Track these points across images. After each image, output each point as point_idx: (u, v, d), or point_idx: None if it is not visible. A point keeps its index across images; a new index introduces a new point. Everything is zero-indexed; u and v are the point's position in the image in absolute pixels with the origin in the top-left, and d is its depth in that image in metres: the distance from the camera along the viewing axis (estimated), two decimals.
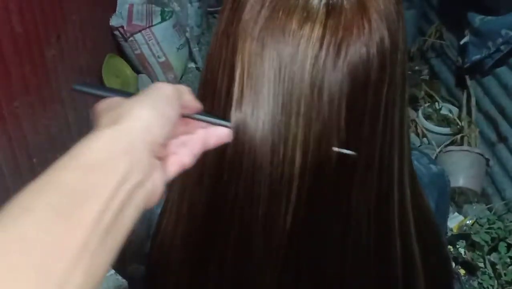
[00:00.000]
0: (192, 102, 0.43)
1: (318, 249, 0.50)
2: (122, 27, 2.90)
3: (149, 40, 2.96)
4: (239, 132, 0.45)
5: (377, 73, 0.45)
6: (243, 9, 0.46)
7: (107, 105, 0.41)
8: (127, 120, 0.37)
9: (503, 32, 2.14)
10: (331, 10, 0.44)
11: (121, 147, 0.35)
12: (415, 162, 0.66)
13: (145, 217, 0.59)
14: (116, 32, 2.95)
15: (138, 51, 2.98)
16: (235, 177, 0.47)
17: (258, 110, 0.44)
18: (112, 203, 0.33)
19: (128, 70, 3.05)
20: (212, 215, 0.51)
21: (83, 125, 2.53)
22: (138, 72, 3.09)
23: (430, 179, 0.67)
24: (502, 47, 2.21)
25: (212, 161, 0.49)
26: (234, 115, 0.45)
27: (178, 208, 0.55)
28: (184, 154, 0.43)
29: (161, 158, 0.39)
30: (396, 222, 0.52)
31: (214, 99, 0.48)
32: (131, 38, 2.94)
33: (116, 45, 3.03)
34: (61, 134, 2.21)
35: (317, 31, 0.43)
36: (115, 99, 0.41)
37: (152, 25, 2.94)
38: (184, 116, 0.43)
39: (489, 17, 2.29)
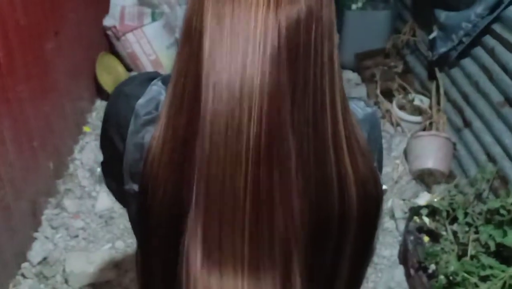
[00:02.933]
0: None
1: (272, 156, 0.66)
2: (115, 27, 3.08)
3: (140, 39, 3.14)
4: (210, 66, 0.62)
5: (305, 16, 0.62)
6: None
7: None
8: None
9: (464, 25, 2.35)
10: None
11: None
12: (352, 105, 0.82)
13: (138, 144, 0.75)
14: (109, 32, 3.13)
15: (130, 50, 3.16)
16: (209, 95, 0.63)
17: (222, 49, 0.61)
18: None
19: (120, 68, 3.23)
20: (190, 135, 0.68)
21: (78, 118, 2.70)
22: (129, 69, 3.27)
23: (364, 116, 0.82)
24: (464, 39, 2.42)
25: (190, 88, 0.65)
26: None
27: (164, 132, 0.71)
28: None
29: None
30: (329, 135, 0.67)
31: (191, 42, 0.65)
32: (123, 37, 3.12)
33: (109, 44, 3.21)
34: (58, 123, 2.39)
35: None
36: None
37: (143, 25, 3.13)
38: None
39: (452, 13, 2.50)
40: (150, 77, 0.80)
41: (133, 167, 0.75)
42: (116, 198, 0.93)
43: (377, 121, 0.86)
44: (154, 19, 3.19)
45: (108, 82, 3.04)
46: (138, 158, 0.74)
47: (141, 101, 0.75)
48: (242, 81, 0.61)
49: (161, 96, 0.75)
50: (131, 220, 0.84)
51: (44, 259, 2.06)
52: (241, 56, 0.60)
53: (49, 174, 2.28)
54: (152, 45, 3.18)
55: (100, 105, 3.03)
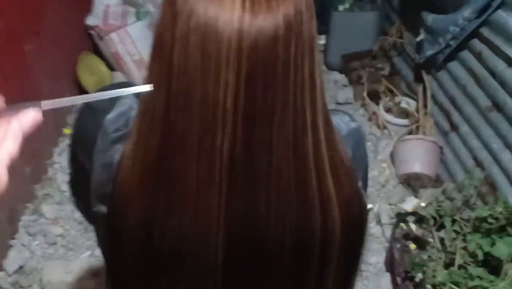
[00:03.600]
0: None
1: (248, 179, 0.62)
2: (98, 26, 3.01)
3: (124, 39, 3.07)
4: (180, 75, 0.58)
5: (284, 31, 0.56)
6: None
7: None
8: None
9: (451, 28, 2.32)
10: None
11: None
12: (337, 119, 0.78)
13: (107, 164, 0.70)
14: (92, 31, 3.06)
15: (113, 50, 3.09)
16: (180, 113, 0.59)
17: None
18: None
19: (103, 68, 3.15)
20: (161, 155, 0.63)
21: (58, 120, 2.63)
22: (113, 69, 3.20)
23: (348, 131, 0.78)
24: (451, 43, 2.39)
25: (161, 107, 0.61)
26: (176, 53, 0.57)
27: (135, 152, 0.66)
28: (8, 146, 0.53)
29: None
30: (311, 156, 0.63)
31: (162, 59, 0.60)
32: (106, 37, 3.04)
33: (92, 43, 3.13)
34: (39, 127, 2.31)
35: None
36: None
37: (127, 25, 3.05)
38: None
39: (440, 16, 2.47)
40: None
41: (101, 188, 0.72)
42: (84, 218, 0.89)
43: (361, 137, 0.83)
44: (138, 18, 3.12)
45: (90, 82, 2.96)
46: (106, 178, 0.70)
47: (110, 116, 0.71)
48: (214, 102, 0.57)
49: (132, 111, 0.71)
50: (99, 239, 0.81)
51: (21, 267, 1.99)
52: (213, 75, 0.56)
53: (26, 178, 2.21)
54: (136, 45, 3.11)
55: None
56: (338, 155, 0.69)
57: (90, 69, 3.01)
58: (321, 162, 0.65)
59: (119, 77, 3.19)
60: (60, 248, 2.10)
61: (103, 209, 0.71)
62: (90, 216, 0.77)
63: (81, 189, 0.77)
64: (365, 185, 0.83)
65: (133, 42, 3.09)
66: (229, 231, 0.63)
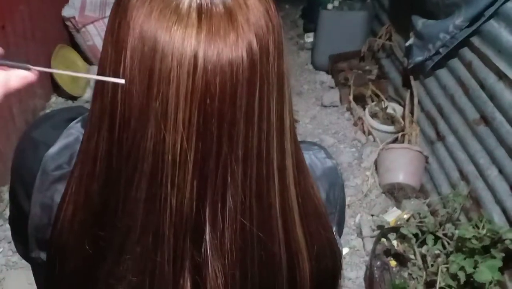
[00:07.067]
0: None
1: (199, 235, 0.53)
2: (74, 17, 2.87)
3: (102, 32, 2.94)
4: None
5: (247, 73, 0.48)
6: (127, 7, 0.49)
7: None
8: None
9: (441, 35, 2.24)
10: (201, 16, 0.47)
11: None
12: (312, 156, 0.70)
13: (46, 205, 0.62)
14: (68, 23, 2.92)
15: (90, 42, 2.96)
16: (124, 160, 0.50)
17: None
18: None
19: (80, 61, 3.02)
20: (104, 203, 0.54)
21: (29, 117, 2.51)
22: (90, 63, 3.07)
23: (323, 171, 0.70)
24: (441, 50, 2.31)
25: (103, 151, 0.52)
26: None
27: (76, 197, 0.57)
28: None
29: None
30: (277, 207, 0.55)
31: (103, 98, 0.51)
32: (83, 29, 2.91)
33: (69, 36, 3.00)
34: (5, 127, 2.19)
35: (191, 34, 0.47)
36: None
37: (105, 17, 2.92)
38: None
39: (430, 21, 2.38)
40: (69, 118, 0.66)
41: (40, 232, 0.63)
42: (24, 259, 0.79)
43: (338, 177, 0.75)
44: None
45: (64, 77, 2.83)
46: (45, 222, 0.62)
47: (51, 151, 0.62)
48: (162, 152, 0.48)
49: (78, 144, 0.61)
50: (39, 286, 0.73)
51: None
52: (153, 124, 0.47)
53: None
54: None
55: (56, 102, 2.83)
56: (310, 201, 0.61)
57: (65, 62, 2.88)
58: (289, 212, 0.57)
59: (96, 71, 3.05)
60: None
61: (42, 255, 0.64)
62: (29, 261, 0.68)
63: (19, 231, 0.68)
64: (340, 229, 0.75)
65: None
66: None
